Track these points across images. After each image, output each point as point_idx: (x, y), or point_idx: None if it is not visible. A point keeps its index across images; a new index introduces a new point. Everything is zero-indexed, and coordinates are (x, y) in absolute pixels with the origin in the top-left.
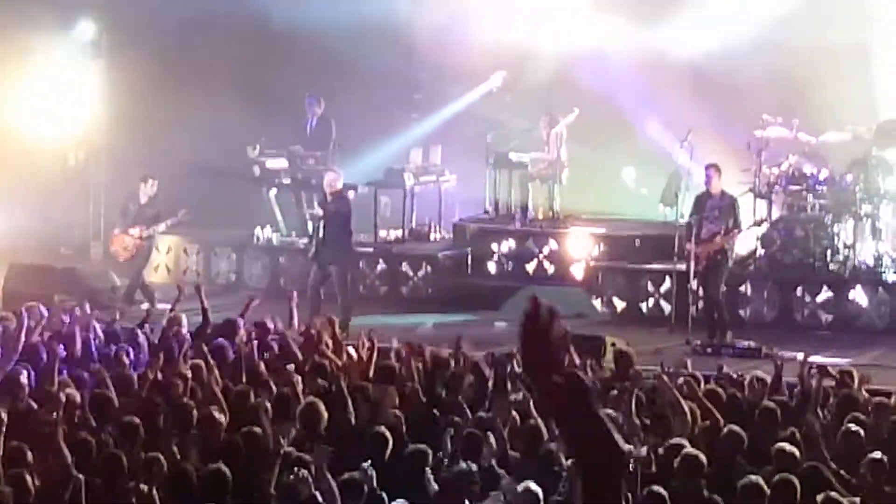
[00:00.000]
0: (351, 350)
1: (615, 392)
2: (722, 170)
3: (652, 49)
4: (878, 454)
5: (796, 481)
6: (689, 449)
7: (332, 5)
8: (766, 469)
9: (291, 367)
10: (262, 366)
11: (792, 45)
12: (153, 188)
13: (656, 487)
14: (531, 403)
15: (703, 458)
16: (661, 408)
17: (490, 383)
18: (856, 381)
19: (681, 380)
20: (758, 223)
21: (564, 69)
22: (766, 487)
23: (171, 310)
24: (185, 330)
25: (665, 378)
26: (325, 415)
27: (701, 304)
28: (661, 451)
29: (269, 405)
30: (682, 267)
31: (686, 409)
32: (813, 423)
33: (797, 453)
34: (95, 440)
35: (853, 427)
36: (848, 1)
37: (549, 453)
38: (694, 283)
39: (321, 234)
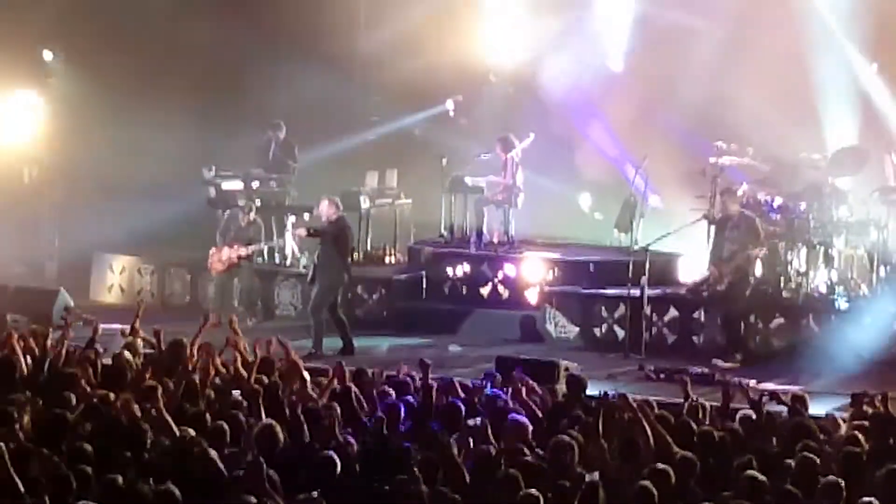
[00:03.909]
0: (306, 374)
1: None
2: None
3: (609, 76)
4: (833, 478)
5: None
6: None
7: (291, 33)
8: (721, 496)
9: (237, 392)
10: (211, 389)
11: (742, 75)
12: (252, 215)
13: None
14: (488, 428)
15: (653, 488)
16: (629, 431)
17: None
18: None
19: (634, 404)
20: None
21: (520, 94)
22: None
23: (133, 330)
24: (138, 352)
25: (629, 400)
26: (281, 437)
27: (720, 323)
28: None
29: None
30: (636, 292)
31: (649, 433)
32: (765, 450)
33: (762, 479)
34: (46, 462)
35: (806, 454)
36: (794, 36)
37: (507, 478)
38: (654, 309)
39: (316, 260)
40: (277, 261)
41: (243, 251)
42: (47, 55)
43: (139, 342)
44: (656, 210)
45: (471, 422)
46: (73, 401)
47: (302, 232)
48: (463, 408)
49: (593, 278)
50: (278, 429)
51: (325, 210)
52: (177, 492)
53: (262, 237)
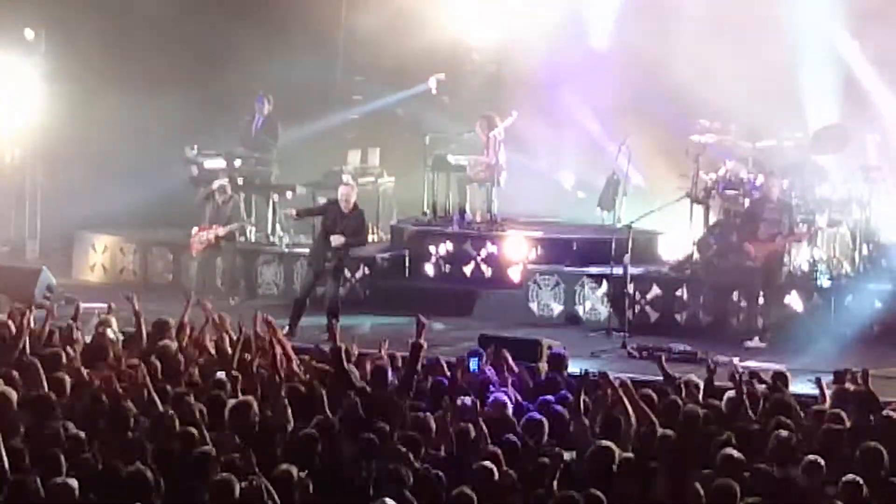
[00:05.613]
0: (290, 352)
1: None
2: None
3: (592, 54)
4: (814, 456)
5: (736, 486)
6: (626, 454)
7: (274, 12)
8: (703, 473)
9: (222, 372)
10: (196, 368)
11: (725, 52)
12: (227, 192)
13: (594, 491)
14: (478, 407)
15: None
16: (611, 409)
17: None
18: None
19: (617, 382)
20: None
21: (503, 73)
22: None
23: (108, 311)
24: (116, 331)
25: (610, 378)
26: (257, 414)
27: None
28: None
29: (202, 408)
30: (619, 271)
31: (630, 411)
32: (745, 428)
33: (740, 457)
34: (30, 440)
35: (783, 432)
36: (777, 14)
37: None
38: (637, 287)
39: (321, 242)
40: (262, 240)
41: (221, 231)
42: (29, 34)
43: (114, 322)
44: (639, 188)
45: (459, 401)
46: (57, 380)
47: (340, 240)
48: (448, 385)
49: (576, 256)
50: (255, 405)
51: (352, 196)
52: (148, 472)
53: (241, 215)
